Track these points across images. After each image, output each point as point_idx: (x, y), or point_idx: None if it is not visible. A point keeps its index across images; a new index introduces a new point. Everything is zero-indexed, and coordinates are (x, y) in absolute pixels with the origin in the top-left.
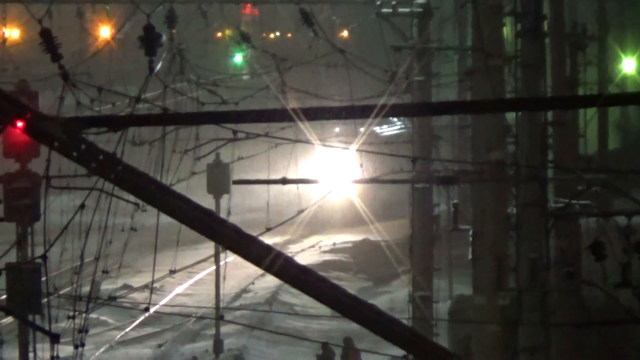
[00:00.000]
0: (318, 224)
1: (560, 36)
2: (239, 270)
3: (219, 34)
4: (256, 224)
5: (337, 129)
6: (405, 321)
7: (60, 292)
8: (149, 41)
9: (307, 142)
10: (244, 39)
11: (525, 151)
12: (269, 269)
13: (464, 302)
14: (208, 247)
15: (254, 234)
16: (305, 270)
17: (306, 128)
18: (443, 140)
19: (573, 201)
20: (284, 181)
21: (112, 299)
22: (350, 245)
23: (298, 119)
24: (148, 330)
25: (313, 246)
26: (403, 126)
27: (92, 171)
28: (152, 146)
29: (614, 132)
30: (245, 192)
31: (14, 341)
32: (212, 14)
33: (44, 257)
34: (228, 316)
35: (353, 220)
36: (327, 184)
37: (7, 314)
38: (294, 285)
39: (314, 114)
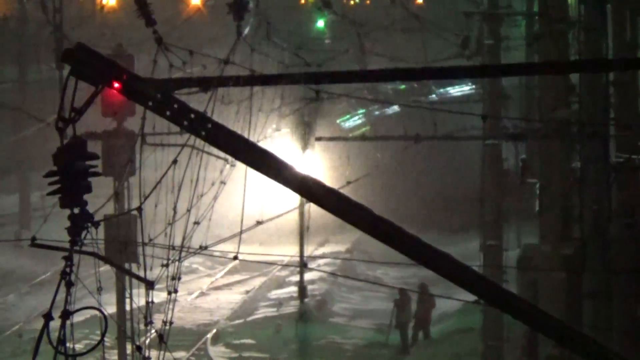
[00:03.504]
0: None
1: (620, 1)
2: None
3: (302, 1)
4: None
5: None
6: (476, 268)
7: (155, 242)
8: (237, 7)
9: (385, 102)
10: (325, 5)
11: (588, 110)
12: (347, 219)
13: (531, 250)
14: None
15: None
16: (382, 220)
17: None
18: (512, 99)
19: (633, 156)
20: (364, 138)
21: (203, 248)
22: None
23: (376, 80)
24: (237, 277)
25: None
26: (473, 87)
27: (184, 129)
28: (240, 105)
29: None
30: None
31: (111, 288)
32: None
33: (139, 209)
34: (311, 264)
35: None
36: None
37: (105, 262)
38: (373, 234)
39: (391, 75)
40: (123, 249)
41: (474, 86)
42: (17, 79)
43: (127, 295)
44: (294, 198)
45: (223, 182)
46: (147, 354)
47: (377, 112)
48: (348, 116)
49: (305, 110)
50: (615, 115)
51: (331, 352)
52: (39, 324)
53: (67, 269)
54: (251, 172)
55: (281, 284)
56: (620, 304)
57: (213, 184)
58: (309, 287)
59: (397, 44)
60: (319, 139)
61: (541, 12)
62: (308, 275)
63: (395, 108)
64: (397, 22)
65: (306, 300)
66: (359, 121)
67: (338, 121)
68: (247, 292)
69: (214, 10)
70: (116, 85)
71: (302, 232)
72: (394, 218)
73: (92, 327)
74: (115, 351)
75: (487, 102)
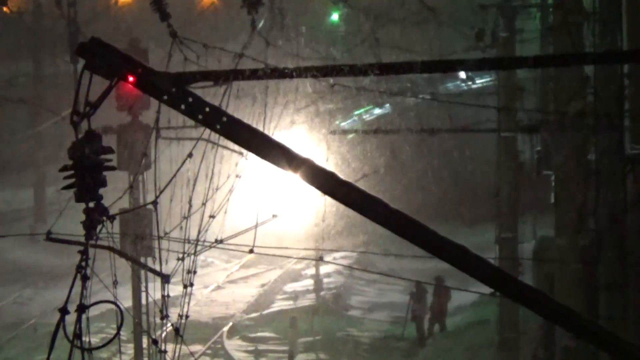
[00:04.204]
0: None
1: None
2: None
3: None
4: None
5: None
6: (492, 261)
7: (170, 236)
8: (251, 0)
9: (399, 94)
10: None
11: (603, 101)
12: (362, 212)
13: (547, 242)
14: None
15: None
16: (397, 213)
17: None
18: (527, 91)
19: None
20: (377, 131)
21: (218, 241)
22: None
23: (390, 72)
24: (252, 270)
25: None
26: (466, 84)
27: (199, 122)
28: (255, 99)
29: None
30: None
31: (127, 282)
32: None
33: (154, 203)
34: (327, 257)
35: None
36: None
37: (121, 256)
38: (388, 227)
39: (405, 68)
40: (139, 242)
41: (468, 83)
42: (32, 73)
43: (143, 289)
44: (307, 197)
45: (238, 176)
46: (163, 348)
47: (368, 114)
48: (339, 119)
49: (320, 104)
50: (630, 107)
51: (347, 344)
52: (55, 318)
53: (83, 263)
54: (262, 170)
55: (297, 277)
56: (637, 296)
57: (228, 177)
58: (325, 280)
59: (411, 36)
60: (332, 132)
61: (556, 4)
62: (324, 269)
63: (387, 108)
64: (411, 14)
65: (321, 293)
66: (353, 122)
67: (337, 122)
68: (263, 285)
69: (228, 4)
70: (131, 79)
71: (320, 226)
72: (408, 210)
73: (108, 321)
74: (131, 345)
75: (502, 94)
